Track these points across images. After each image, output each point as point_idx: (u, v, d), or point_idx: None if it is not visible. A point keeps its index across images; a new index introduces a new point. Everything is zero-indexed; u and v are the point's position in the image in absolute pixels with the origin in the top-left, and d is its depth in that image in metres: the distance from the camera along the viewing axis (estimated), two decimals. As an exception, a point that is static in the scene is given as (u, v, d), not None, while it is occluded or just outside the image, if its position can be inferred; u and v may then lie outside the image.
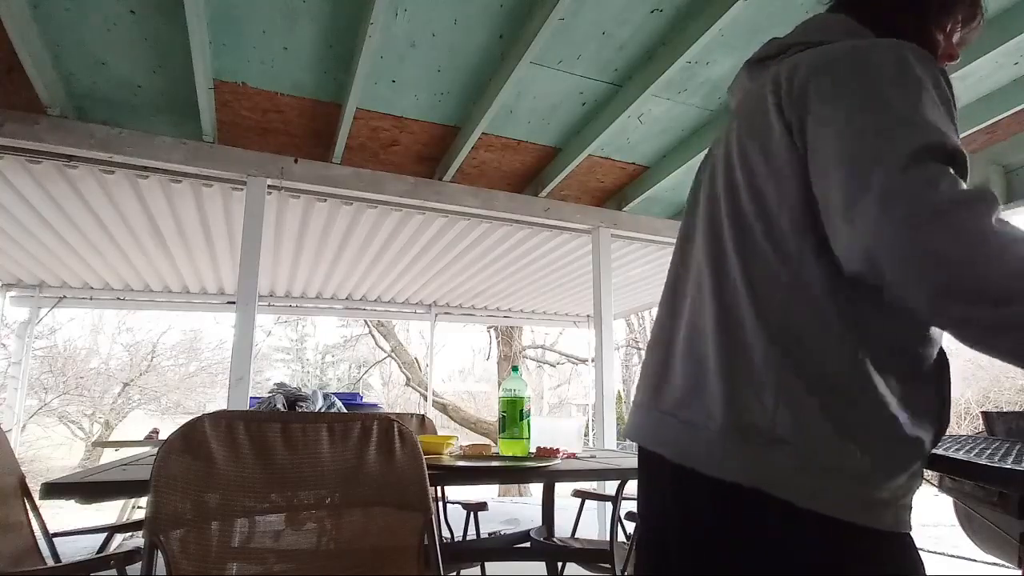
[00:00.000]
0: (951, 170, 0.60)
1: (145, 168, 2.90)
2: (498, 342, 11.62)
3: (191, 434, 1.10)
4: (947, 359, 0.73)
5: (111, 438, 11.37)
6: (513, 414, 1.80)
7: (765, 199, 0.73)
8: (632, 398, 0.96)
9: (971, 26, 0.87)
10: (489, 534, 3.08)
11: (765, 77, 0.81)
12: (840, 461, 0.64)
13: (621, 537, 1.99)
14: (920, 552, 0.68)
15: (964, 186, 0.59)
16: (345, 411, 2.42)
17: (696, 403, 0.74)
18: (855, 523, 0.63)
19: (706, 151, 0.97)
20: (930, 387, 0.71)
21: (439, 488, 2.31)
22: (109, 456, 9.72)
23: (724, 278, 0.75)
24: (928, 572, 0.68)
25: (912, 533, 0.67)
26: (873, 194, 0.59)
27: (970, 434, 1.43)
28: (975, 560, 4.08)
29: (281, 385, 2.40)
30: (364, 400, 3.20)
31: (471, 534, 2.42)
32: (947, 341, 0.72)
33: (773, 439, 0.66)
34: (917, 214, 0.57)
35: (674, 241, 0.94)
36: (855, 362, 0.66)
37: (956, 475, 0.82)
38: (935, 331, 0.72)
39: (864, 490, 0.64)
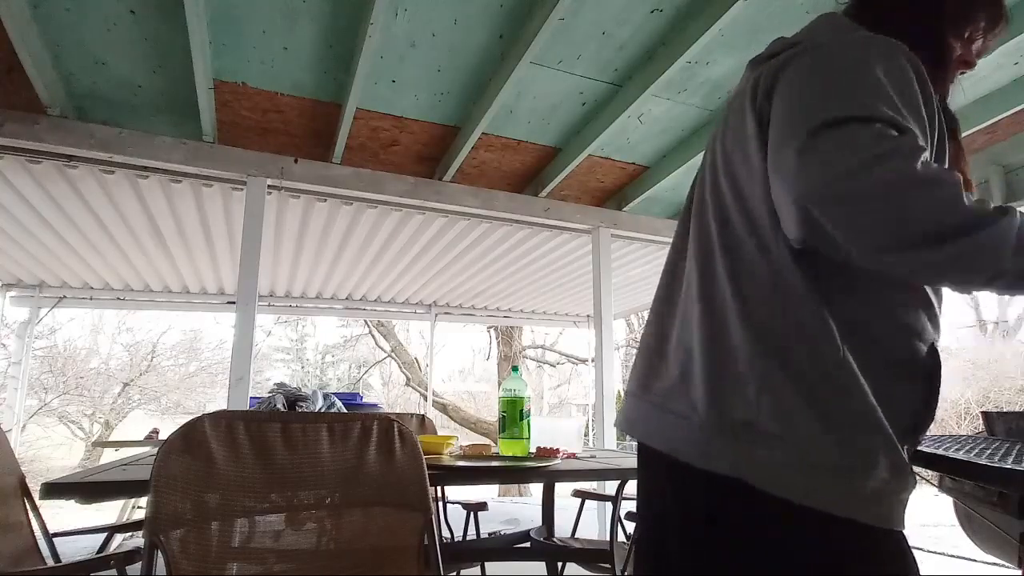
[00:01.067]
0: (878, 125, 0.61)
1: (145, 168, 2.90)
2: (498, 342, 11.62)
3: (191, 434, 1.10)
4: (939, 357, 0.73)
5: (111, 438, 11.37)
6: (513, 414, 1.80)
7: (746, 197, 0.74)
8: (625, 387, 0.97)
9: (994, 32, 0.85)
10: (489, 534, 3.08)
11: (754, 75, 0.82)
12: (825, 456, 0.65)
13: (621, 537, 1.99)
14: (919, 552, 0.69)
15: (890, 137, 0.61)
16: (345, 411, 2.42)
17: (682, 395, 0.75)
18: (852, 519, 0.64)
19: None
20: (916, 383, 0.71)
21: (439, 488, 2.31)
22: (109, 456, 9.73)
23: (711, 274, 0.77)
24: (928, 572, 0.68)
25: (905, 532, 0.68)
26: (795, 153, 0.62)
27: (970, 434, 1.43)
28: (975, 560, 4.08)
29: (281, 385, 2.40)
30: (364, 400, 3.20)
31: (471, 534, 2.42)
32: (945, 342, 0.72)
33: (758, 433, 0.67)
34: (841, 167, 0.59)
35: (673, 241, 0.96)
36: (838, 359, 0.66)
37: (956, 475, 0.82)
38: (926, 328, 0.72)
39: (852, 484, 0.65)
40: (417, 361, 12.13)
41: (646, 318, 0.96)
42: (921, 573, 0.68)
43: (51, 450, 12.36)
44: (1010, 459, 0.81)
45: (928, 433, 0.77)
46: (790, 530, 0.66)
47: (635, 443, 0.90)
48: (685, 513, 0.75)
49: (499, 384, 6.98)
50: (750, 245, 0.72)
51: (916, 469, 0.78)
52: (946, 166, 0.73)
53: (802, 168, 0.61)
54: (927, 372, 0.71)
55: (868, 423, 0.66)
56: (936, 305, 0.73)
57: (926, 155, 0.60)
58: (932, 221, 0.58)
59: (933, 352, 0.72)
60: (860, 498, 0.65)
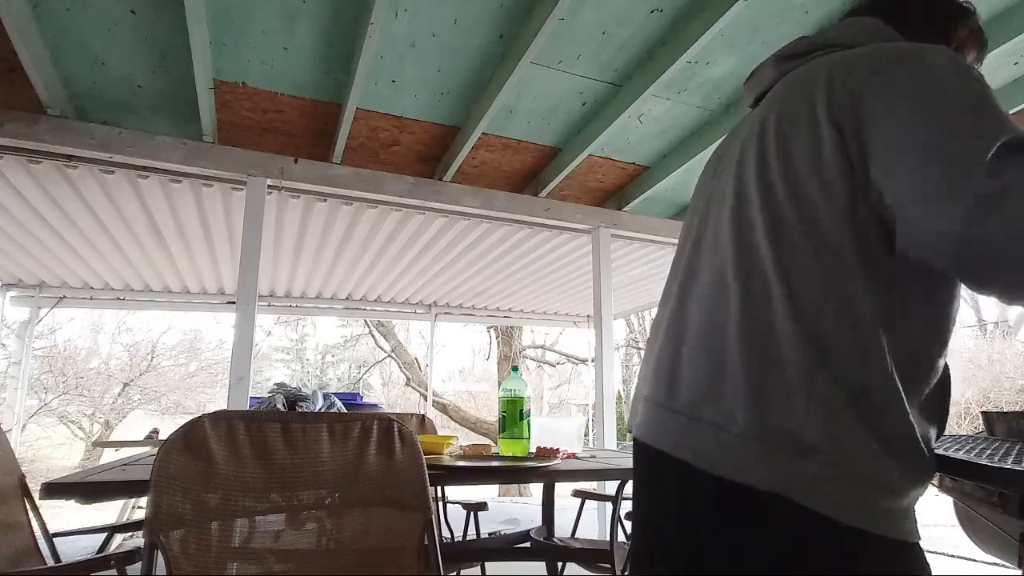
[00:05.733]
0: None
1: (145, 168, 2.90)
2: (498, 342, 11.63)
3: (191, 434, 1.10)
4: (949, 370, 0.73)
5: (111, 438, 11.37)
6: (513, 414, 1.80)
7: (809, 201, 0.71)
8: (633, 393, 0.94)
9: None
10: (489, 534, 3.08)
11: (803, 76, 0.79)
12: (871, 471, 0.64)
13: (621, 537, 1.98)
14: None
15: None
16: (345, 411, 2.42)
17: (714, 403, 0.71)
18: (882, 535, 0.63)
19: (708, 149, 0.97)
20: (936, 396, 0.71)
21: (439, 488, 2.31)
22: (109, 456, 9.72)
23: (753, 275, 0.73)
24: (928, 572, 0.68)
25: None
26: (974, 183, 0.59)
27: (970, 434, 1.42)
28: (975, 560, 4.08)
29: (281, 385, 2.40)
30: (364, 400, 3.19)
31: (471, 534, 2.42)
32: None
33: (803, 446, 0.64)
34: (1018, 210, 0.58)
35: (674, 241, 0.93)
36: (888, 373, 0.65)
37: (956, 475, 0.82)
38: (947, 344, 0.72)
39: (890, 500, 0.64)
40: (417, 361, 12.13)
41: (654, 318, 0.93)
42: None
43: (51, 450, 12.37)
44: (1010, 459, 0.81)
45: None
46: (817, 540, 0.64)
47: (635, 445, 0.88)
48: (696, 518, 0.72)
49: (499, 384, 6.98)
50: (806, 247, 0.69)
51: None
52: None
53: (983, 208, 0.59)
54: (943, 384, 0.72)
55: (909, 439, 0.65)
56: (953, 325, 0.74)
57: None
58: None
59: (946, 367, 0.73)
60: (893, 512, 0.64)
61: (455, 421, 11.23)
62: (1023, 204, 0.58)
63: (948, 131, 0.64)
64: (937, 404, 0.71)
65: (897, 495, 0.65)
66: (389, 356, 13.17)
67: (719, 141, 0.99)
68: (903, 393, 0.66)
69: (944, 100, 0.66)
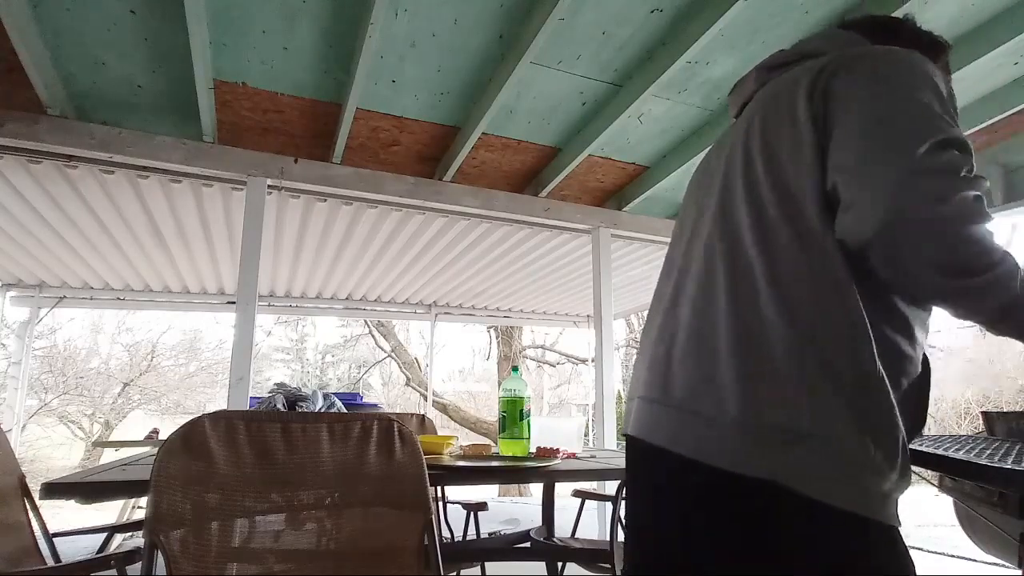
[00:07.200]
0: (971, 159, 0.67)
1: (145, 168, 2.90)
2: (498, 342, 11.63)
3: (191, 434, 1.10)
4: (930, 365, 0.75)
5: (111, 438, 11.36)
6: (513, 414, 1.80)
7: (792, 195, 0.73)
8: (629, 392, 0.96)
9: None
10: (489, 534, 3.08)
11: (784, 82, 0.82)
12: (862, 459, 0.65)
13: (621, 537, 1.98)
14: (919, 551, 0.70)
15: (974, 174, 0.66)
16: (345, 411, 2.42)
17: (709, 396, 0.73)
18: (872, 519, 0.65)
19: (708, 149, 0.98)
20: (917, 388, 0.73)
21: (439, 488, 2.31)
22: (109, 456, 9.72)
23: (741, 271, 0.75)
24: (928, 572, 0.69)
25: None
26: (905, 171, 0.65)
27: (970, 434, 1.42)
28: (975, 560, 4.08)
29: (281, 385, 2.40)
30: (364, 400, 3.19)
31: (471, 534, 2.42)
32: (945, 341, 0.74)
33: (796, 435, 0.66)
34: (943, 198, 0.63)
35: (674, 240, 0.95)
36: (872, 360, 0.66)
37: (956, 475, 0.82)
38: (924, 338, 0.75)
39: (880, 486, 0.66)
40: (417, 361, 12.13)
41: (647, 318, 0.94)
42: (920, 573, 0.69)
43: (51, 450, 12.37)
44: (1010, 459, 0.81)
45: (928, 433, 0.78)
46: (812, 526, 0.66)
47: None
48: (691, 510, 0.74)
49: (499, 384, 6.98)
50: (793, 243, 0.72)
51: (916, 469, 0.79)
52: None
53: (903, 186, 0.64)
54: (921, 377, 0.74)
55: (893, 425, 0.67)
56: (929, 317, 0.77)
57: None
58: (985, 251, 0.63)
59: (926, 360, 0.76)
60: (882, 497, 0.66)
61: (455, 421, 11.23)
62: (946, 188, 0.63)
63: (889, 123, 0.69)
64: (918, 397, 0.74)
65: (885, 482, 0.66)
66: (389, 356, 13.17)
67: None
68: (888, 382, 0.67)
69: (891, 92, 0.71)
